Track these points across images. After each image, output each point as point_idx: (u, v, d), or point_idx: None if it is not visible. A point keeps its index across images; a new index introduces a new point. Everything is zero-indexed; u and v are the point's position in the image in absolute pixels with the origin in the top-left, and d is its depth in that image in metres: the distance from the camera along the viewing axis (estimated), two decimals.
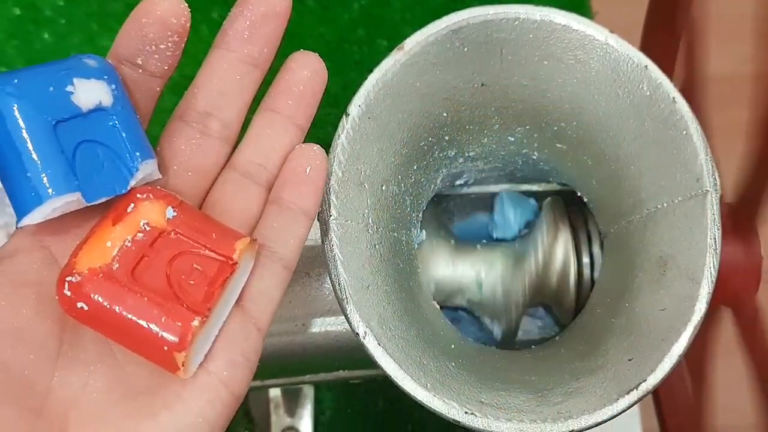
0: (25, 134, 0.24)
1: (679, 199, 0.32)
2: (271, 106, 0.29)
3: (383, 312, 0.31)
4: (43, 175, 0.24)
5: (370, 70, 0.32)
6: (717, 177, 0.32)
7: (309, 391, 0.61)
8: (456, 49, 0.33)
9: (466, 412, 0.30)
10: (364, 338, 0.30)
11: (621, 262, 0.36)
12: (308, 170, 0.29)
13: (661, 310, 0.32)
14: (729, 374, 0.49)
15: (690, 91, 0.47)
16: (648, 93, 0.33)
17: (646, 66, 0.32)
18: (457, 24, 0.32)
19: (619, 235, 0.36)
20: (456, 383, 0.31)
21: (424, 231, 0.38)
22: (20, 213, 0.24)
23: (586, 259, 0.39)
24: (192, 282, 0.25)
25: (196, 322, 0.24)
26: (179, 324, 0.24)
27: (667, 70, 0.34)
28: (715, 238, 0.31)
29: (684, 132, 0.32)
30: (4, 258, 0.25)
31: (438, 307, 0.36)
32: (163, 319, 0.24)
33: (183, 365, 0.24)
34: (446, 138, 0.36)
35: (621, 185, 0.35)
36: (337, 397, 0.65)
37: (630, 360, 0.31)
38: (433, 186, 0.37)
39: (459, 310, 0.41)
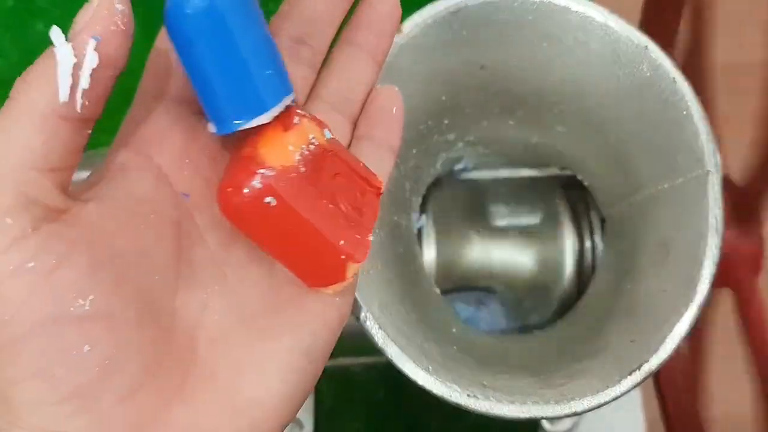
0: (260, 30, 0.23)
1: (681, 179, 0.32)
2: (354, 40, 0.29)
3: (384, 296, 0.31)
4: (284, 71, 0.23)
5: None
6: (718, 157, 0.31)
7: None
8: (455, 31, 0.33)
9: (468, 395, 0.29)
10: (365, 322, 0.30)
11: (623, 245, 0.35)
12: (394, 110, 0.29)
13: (663, 291, 0.31)
14: (729, 360, 0.49)
15: (695, 76, 0.46)
16: (648, 73, 0.32)
17: (646, 46, 0.32)
18: (455, 6, 0.32)
19: (620, 217, 0.36)
20: (458, 366, 0.31)
21: (424, 216, 0.37)
22: (255, 110, 0.23)
23: (587, 243, 0.39)
24: (350, 203, 0.24)
25: (372, 237, 0.24)
26: (359, 236, 0.23)
27: (667, 51, 0.33)
28: (716, 218, 0.31)
29: (685, 112, 0.32)
30: (113, 175, 0.23)
31: (438, 291, 0.36)
32: (346, 230, 0.23)
33: (353, 277, 0.24)
34: (445, 121, 0.36)
35: (622, 167, 0.34)
36: (337, 387, 0.64)
37: (632, 342, 0.31)
38: (432, 170, 0.37)
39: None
